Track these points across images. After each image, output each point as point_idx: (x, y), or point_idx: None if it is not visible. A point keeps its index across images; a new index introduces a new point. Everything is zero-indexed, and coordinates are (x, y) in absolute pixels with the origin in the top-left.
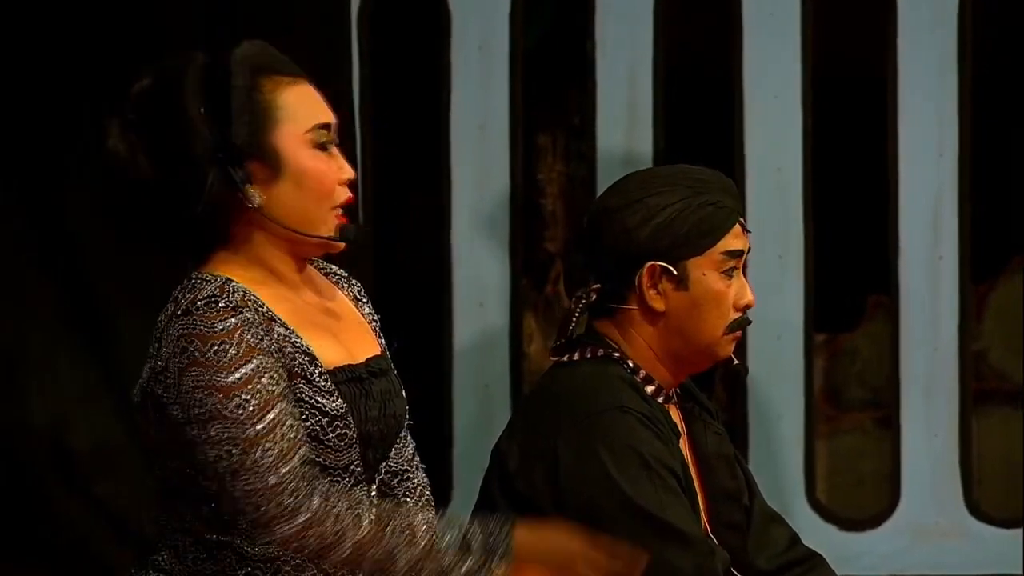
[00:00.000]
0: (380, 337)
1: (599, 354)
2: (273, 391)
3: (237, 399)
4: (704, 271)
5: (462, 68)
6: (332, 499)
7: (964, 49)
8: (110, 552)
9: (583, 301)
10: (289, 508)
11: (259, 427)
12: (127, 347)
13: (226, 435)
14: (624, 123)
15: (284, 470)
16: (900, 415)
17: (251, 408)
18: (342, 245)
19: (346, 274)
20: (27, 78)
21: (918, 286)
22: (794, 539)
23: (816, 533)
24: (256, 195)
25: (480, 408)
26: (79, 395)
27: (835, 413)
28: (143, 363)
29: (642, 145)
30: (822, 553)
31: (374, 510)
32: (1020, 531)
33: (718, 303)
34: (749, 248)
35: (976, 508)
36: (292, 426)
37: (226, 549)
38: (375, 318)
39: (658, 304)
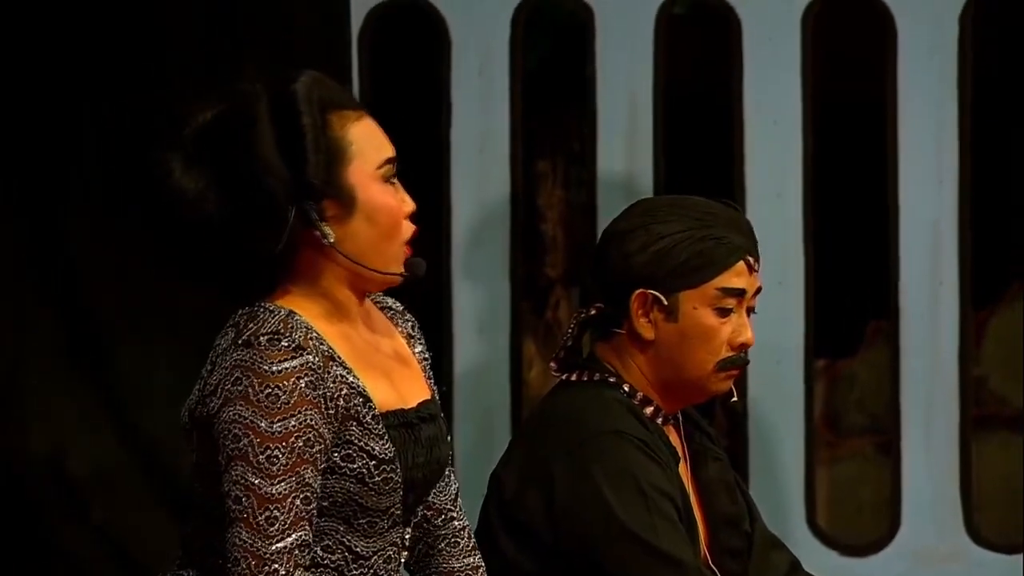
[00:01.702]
0: (430, 376)
1: (595, 378)
2: (305, 454)
3: (269, 451)
4: (695, 305)
5: (462, 93)
6: None
7: (964, 74)
8: None
9: (581, 317)
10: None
11: (278, 488)
12: (127, 373)
13: (245, 480)
14: (624, 148)
15: (278, 546)
16: (900, 440)
17: (278, 465)
18: (399, 280)
19: (401, 308)
20: (24, 92)
21: (918, 312)
22: (795, 564)
23: (817, 558)
24: (330, 232)
25: (480, 433)
26: (78, 421)
27: (835, 438)
28: (143, 390)
29: (642, 170)
30: None
31: None
32: (1021, 557)
33: (707, 339)
34: (760, 288)
35: (976, 533)
36: (307, 499)
37: None
38: (426, 356)
39: (647, 332)
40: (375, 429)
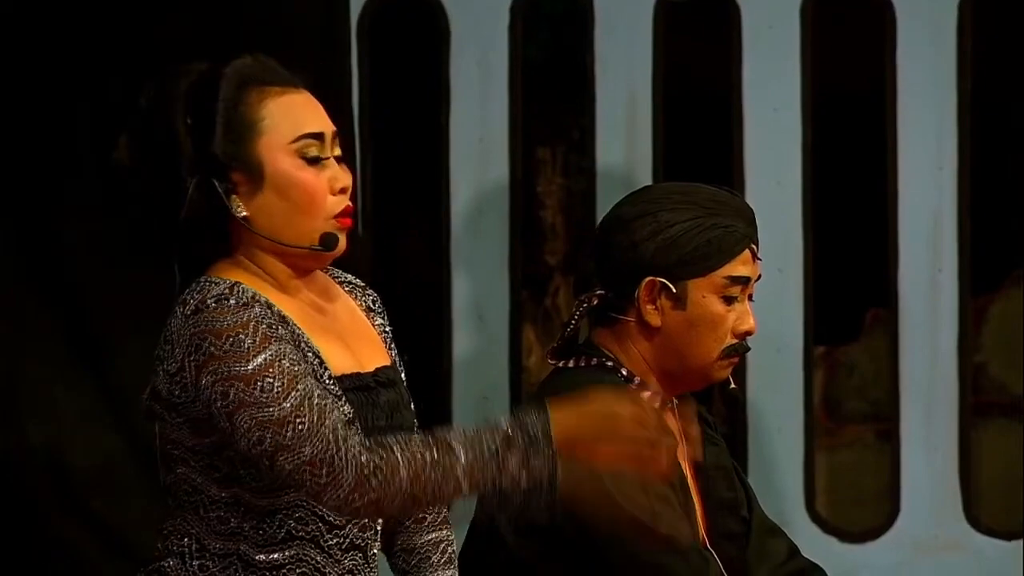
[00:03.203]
0: (392, 349)
1: (593, 363)
2: (295, 370)
3: (260, 384)
4: (704, 293)
5: (461, 82)
6: (366, 459)
7: (963, 63)
8: (107, 569)
9: (584, 305)
10: (329, 478)
11: (287, 404)
12: (125, 367)
13: (255, 420)
14: (624, 136)
15: (316, 442)
16: (900, 428)
17: (276, 389)
18: (333, 254)
19: (362, 284)
20: (21, 91)
21: (917, 299)
22: (793, 551)
23: (816, 546)
24: (240, 206)
25: (479, 420)
26: (77, 415)
27: (834, 426)
28: (140, 382)
29: (642, 158)
30: (822, 565)
31: (407, 453)
32: (1020, 543)
33: (715, 327)
34: (760, 276)
35: (976, 520)
36: (320, 395)
37: (232, 556)
38: (387, 330)
39: (654, 320)
40: (332, 390)
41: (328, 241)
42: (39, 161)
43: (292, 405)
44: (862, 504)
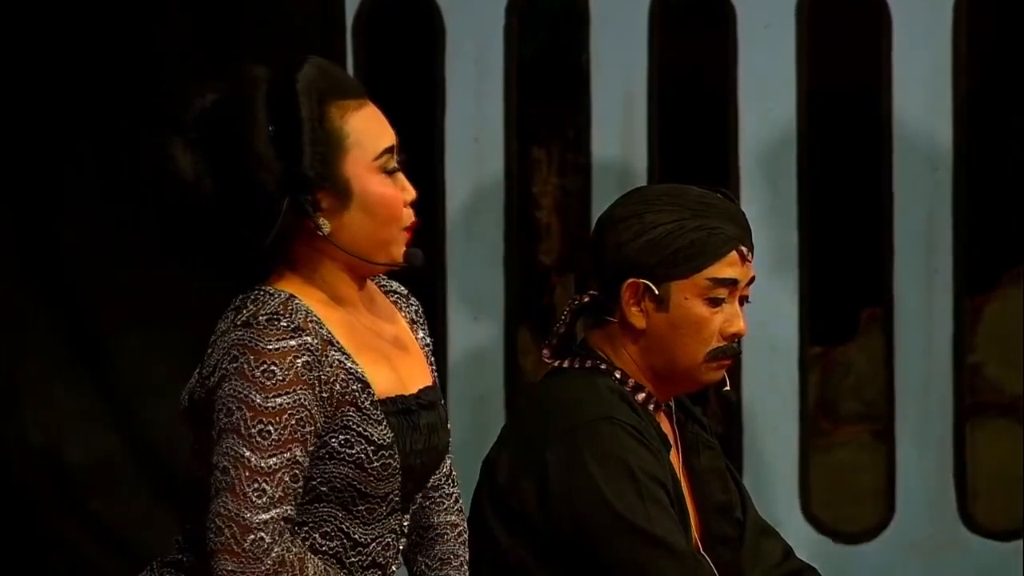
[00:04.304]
0: (431, 363)
1: (587, 365)
2: (296, 433)
3: (262, 425)
4: (687, 295)
5: (457, 80)
6: (284, 563)
7: (958, 63)
8: (107, 569)
9: (575, 303)
10: (244, 553)
11: (269, 462)
12: (124, 367)
13: (235, 452)
14: (619, 135)
15: (264, 517)
16: (895, 428)
17: (270, 440)
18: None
19: (405, 292)
20: (20, 90)
21: (913, 299)
22: (788, 552)
23: (811, 546)
24: (325, 223)
25: (474, 422)
26: (76, 413)
27: (830, 426)
28: (140, 381)
29: (637, 157)
30: (816, 566)
31: None
32: (1016, 543)
33: (698, 329)
34: (753, 278)
35: (971, 521)
36: (295, 476)
37: None
38: (428, 342)
39: (638, 321)
40: (373, 415)
41: (413, 259)
42: (39, 161)
43: (271, 466)
44: (857, 505)
